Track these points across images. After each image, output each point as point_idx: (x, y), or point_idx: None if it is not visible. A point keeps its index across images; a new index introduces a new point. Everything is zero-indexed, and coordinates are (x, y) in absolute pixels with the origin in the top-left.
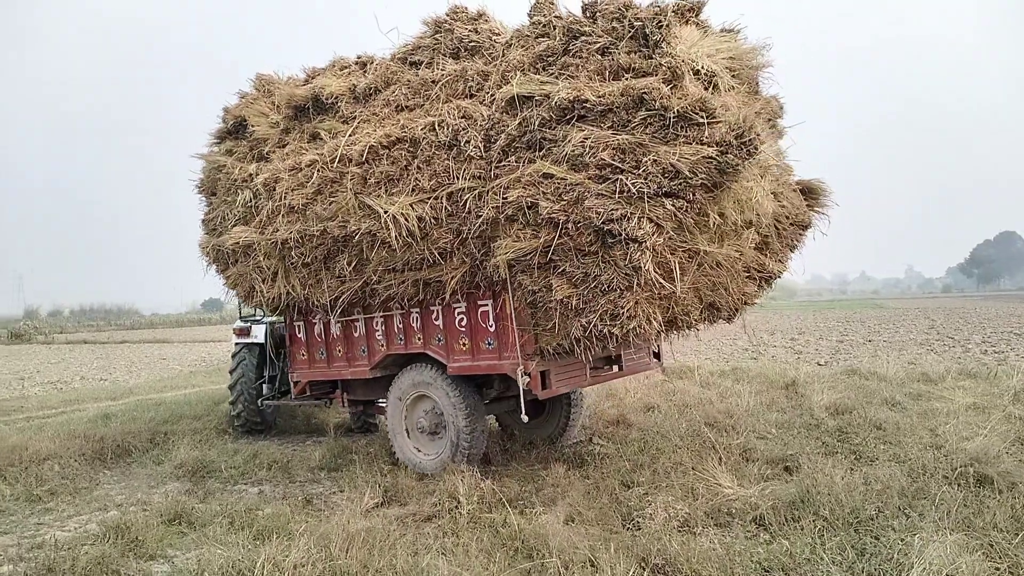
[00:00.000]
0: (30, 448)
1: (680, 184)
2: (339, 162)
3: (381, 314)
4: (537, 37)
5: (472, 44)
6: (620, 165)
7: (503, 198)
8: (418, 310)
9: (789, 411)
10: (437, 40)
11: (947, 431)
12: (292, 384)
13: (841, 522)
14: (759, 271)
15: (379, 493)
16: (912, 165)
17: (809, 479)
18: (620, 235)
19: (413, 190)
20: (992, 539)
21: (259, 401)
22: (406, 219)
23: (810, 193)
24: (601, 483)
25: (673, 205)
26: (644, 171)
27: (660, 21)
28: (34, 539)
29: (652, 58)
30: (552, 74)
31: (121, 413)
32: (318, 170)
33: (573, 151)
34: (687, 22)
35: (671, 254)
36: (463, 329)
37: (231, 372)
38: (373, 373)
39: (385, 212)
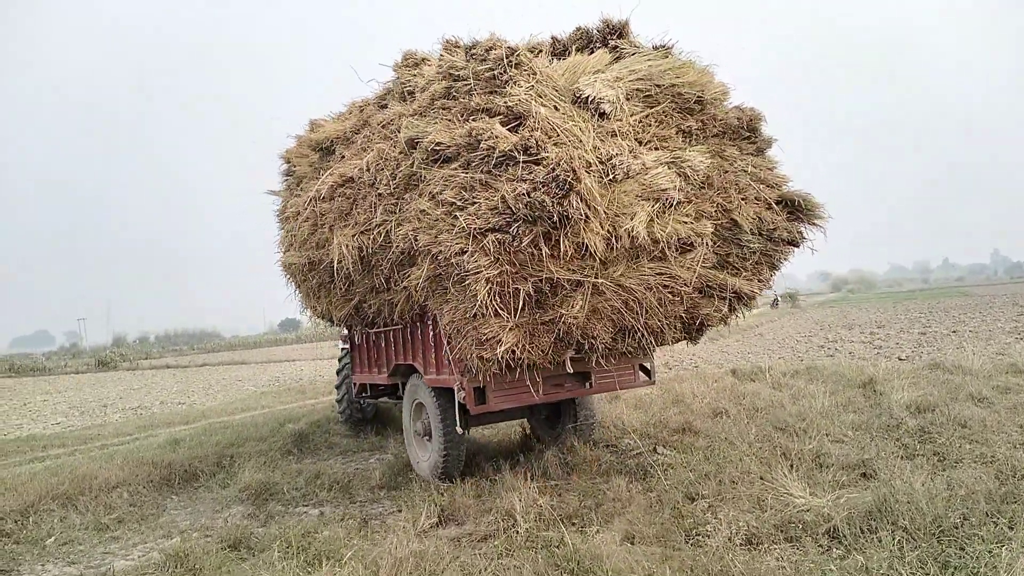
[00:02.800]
0: (100, 477)
1: (504, 220)
2: (319, 199)
3: (391, 328)
4: (441, 80)
5: (410, 89)
6: (460, 203)
7: (399, 230)
8: (411, 325)
9: (867, 411)
10: (394, 84)
11: None
12: (354, 385)
13: (923, 532)
14: (719, 290)
15: (435, 513)
16: (990, 142)
17: (887, 486)
18: (460, 268)
19: (355, 224)
20: None
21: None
22: (348, 249)
23: (794, 207)
24: (664, 496)
25: (498, 240)
26: (477, 208)
27: (510, 61)
28: (99, 569)
29: (498, 98)
30: (434, 117)
31: (190, 438)
32: (311, 205)
33: (434, 189)
34: (605, 44)
35: (522, 283)
36: (433, 344)
37: (338, 372)
38: (391, 380)
39: (334, 243)
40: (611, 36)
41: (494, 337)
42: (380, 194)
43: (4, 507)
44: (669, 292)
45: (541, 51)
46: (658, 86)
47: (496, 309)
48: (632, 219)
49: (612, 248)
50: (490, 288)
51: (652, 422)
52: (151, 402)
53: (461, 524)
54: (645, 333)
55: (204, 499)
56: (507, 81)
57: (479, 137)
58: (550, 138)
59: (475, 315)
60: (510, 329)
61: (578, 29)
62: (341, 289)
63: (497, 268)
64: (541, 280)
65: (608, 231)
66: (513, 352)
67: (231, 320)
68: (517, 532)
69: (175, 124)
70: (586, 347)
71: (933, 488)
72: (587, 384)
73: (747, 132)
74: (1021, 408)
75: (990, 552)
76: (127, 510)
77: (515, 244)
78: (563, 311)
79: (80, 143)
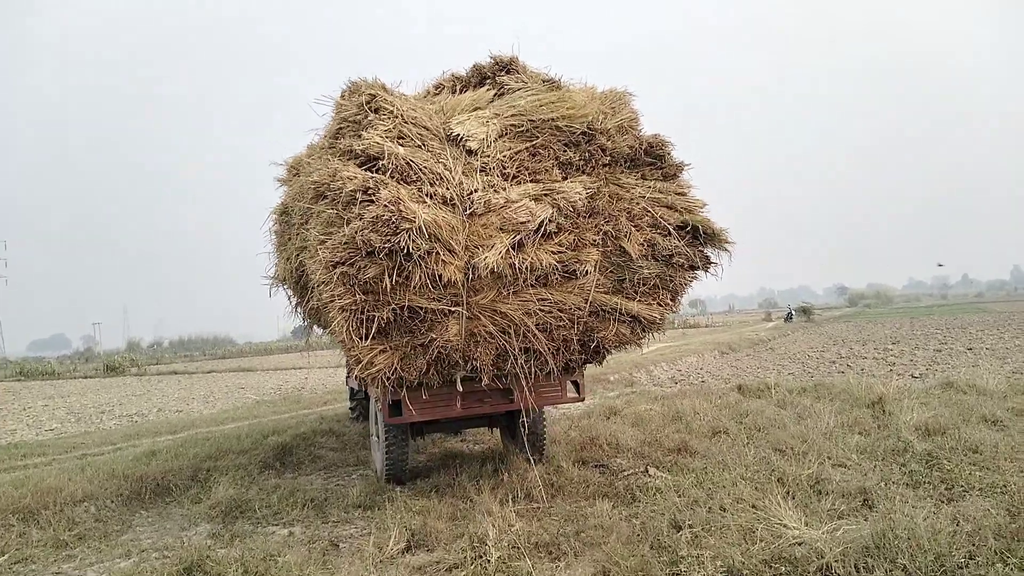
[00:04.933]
0: (66, 490)
1: (350, 255)
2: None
3: None
4: (335, 122)
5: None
6: (324, 237)
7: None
8: None
9: (873, 433)
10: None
11: None
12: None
13: (924, 571)
14: (615, 315)
15: (404, 537)
16: (1013, 155)
17: (886, 519)
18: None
19: (287, 249)
20: None
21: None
22: (283, 272)
23: (696, 233)
24: (648, 524)
25: (344, 273)
26: (334, 243)
27: (370, 106)
28: None
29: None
30: (326, 156)
31: (167, 450)
32: (273, 228)
33: (314, 223)
34: (493, 79)
35: (379, 310)
36: None
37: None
38: (355, 384)
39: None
40: (500, 72)
41: (365, 359)
42: (296, 224)
43: None
44: (553, 317)
45: (443, 88)
46: (531, 120)
47: (353, 335)
48: (489, 251)
49: (475, 278)
50: (345, 315)
51: (648, 440)
52: (149, 409)
53: (431, 550)
54: (520, 356)
55: (173, 515)
56: (366, 124)
57: (334, 177)
58: (404, 177)
59: (342, 339)
60: (380, 352)
61: (474, 66)
62: (304, 304)
63: (350, 297)
64: (401, 308)
65: (467, 262)
66: (385, 372)
67: (248, 325)
68: (489, 561)
69: (198, 127)
70: (467, 368)
71: (937, 523)
72: (510, 399)
73: (650, 159)
74: None
75: None
76: (92, 526)
77: (359, 276)
78: (433, 335)
79: (98, 146)
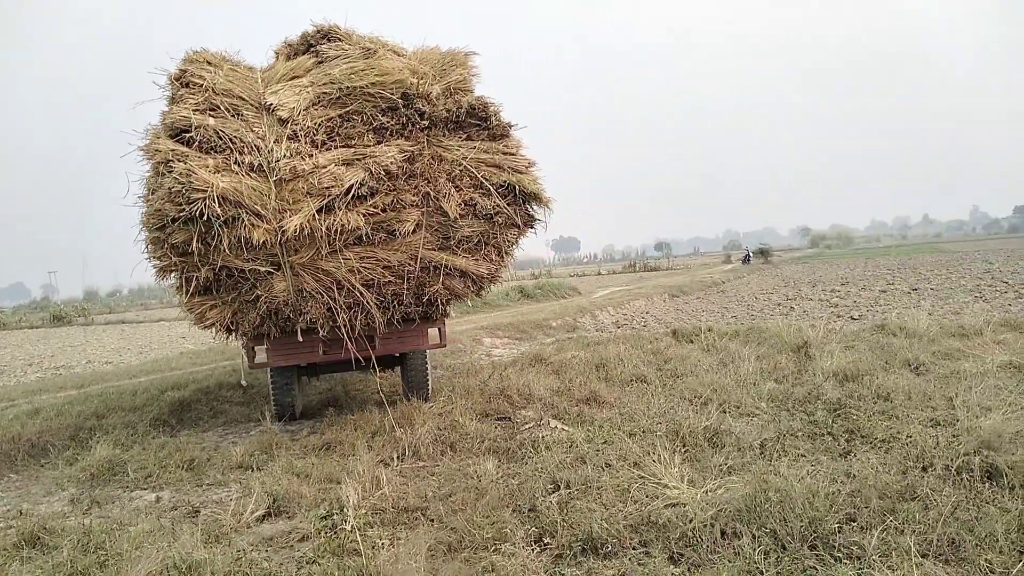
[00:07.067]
0: None
1: (159, 221)
2: None
3: None
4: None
5: None
6: (145, 204)
7: None
8: None
9: (790, 379)
10: None
11: (966, 401)
12: None
13: (795, 536)
14: (444, 270)
15: (265, 503)
16: (974, 96)
17: (759, 479)
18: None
19: None
20: (982, 568)
21: None
22: None
23: (513, 193)
24: (527, 483)
25: (154, 239)
26: (147, 211)
27: (181, 81)
28: None
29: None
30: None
31: (50, 407)
32: None
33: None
34: (308, 50)
35: (195, 271)
36: None
37: None
38: None
39: None
40: (321, 40)
41: (196, 312)
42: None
43: None
44: (379, 274)
45: (279, 56)
46: (342, 88)
47: (178, 292)
48: (296, 215)
49: (289, 239)
50: (166, 276)
51: (561, 390)
52: (78, 361)
53: (291, 517)
54: (346, 310)
55: (44, 479)
56: (176, 99)
57: (148, 149)
58: (213, 147)
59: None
60: (211, 307)
61: (302, 34)
62: None
63: (167, 259)
64: (217, 268)
65: (276, 226)
66: (218, 325)
67: None
68: (344, 529)
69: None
70: (301, 321)
71: (815, 483)
72: (372, 345)
73: (474, 121)
74: (955, 377)
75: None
76: None
77: (169, 241)
78: (259, 292)
79: (53, 87)
